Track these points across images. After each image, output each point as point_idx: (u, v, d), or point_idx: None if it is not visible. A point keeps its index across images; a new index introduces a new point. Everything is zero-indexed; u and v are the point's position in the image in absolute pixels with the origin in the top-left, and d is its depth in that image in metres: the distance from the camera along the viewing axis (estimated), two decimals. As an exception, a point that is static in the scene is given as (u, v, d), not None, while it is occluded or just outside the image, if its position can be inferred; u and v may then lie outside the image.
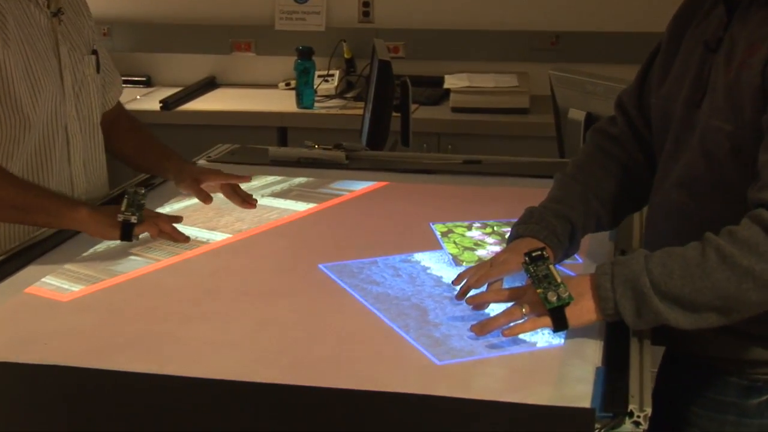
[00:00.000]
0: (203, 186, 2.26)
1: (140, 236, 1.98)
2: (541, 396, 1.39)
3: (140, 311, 1.72)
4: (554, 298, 1.52)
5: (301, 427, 1.33)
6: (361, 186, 2.45)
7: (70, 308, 1.73)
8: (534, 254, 1.57)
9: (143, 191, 1.98)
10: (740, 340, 1.62)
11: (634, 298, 1.48)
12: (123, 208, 1.93)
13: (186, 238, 2.01)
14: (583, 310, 1.53)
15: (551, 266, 1.55)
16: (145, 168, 2.42)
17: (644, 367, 1.47)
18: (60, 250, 2.00)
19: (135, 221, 1.93)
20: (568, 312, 1.52)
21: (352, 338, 1.61)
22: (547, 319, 1.53)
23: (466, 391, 1.41)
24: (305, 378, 1.44)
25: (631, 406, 1.33)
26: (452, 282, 1.76)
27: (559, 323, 1.53)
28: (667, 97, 1.70)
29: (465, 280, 1.72)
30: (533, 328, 1.55)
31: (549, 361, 1.50)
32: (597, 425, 1.31)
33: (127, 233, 1.93)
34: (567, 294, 1.52)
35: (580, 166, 1.87)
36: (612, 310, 1.51)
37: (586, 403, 1.36)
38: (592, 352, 1.53)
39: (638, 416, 1.32)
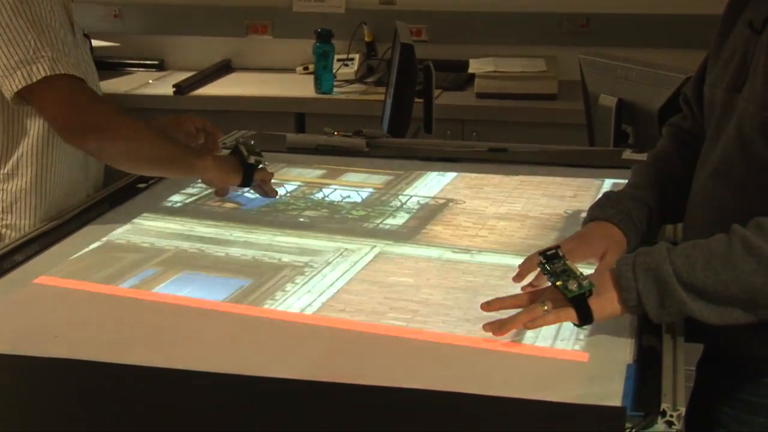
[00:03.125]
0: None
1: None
2: (570, 393, 1.36)
3: (155, 303, 1.68)
4: (575, 286, 1.48)
5: (321, 425, 1.32)
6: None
7: (82, 299, 1.69)
8: (549, 253, 1.56)
9: (251, 140, 2.25)
10: None
11: (657, 287, 1.45)
12: (246, 154, 2.12)
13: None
14: (606, 302, 1.49)
15: (567, 262, 1.54)
16: None
17: (678, 364, 1.43)
18: (71, 240, 1.96)
19: (261, 165, 2.14)
20: (592, 304, 1.48)
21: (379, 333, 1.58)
22: (571, 311, 1.49)
23: (492, 388, 1.38)
24: (328, 373, 1.43)
25: (663, 405, 1.29)
26: (513, 279, 1.69)
27: (583, 314, 1.49)
28: (714, 83, 1.67)
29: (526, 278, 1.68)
30: (556, 321, 1.51)
31: (588, 347, 1.49)
32: (628, 424, 1.28)
33: (248, 177, 2.12)
34: (587, 281, 1.48)
35: (657, 155, 1.87)
36: (635, 301, 1.47)
37: (616, 402, 1.33)
38: (623, 348, 1.49)
39: (671, 415, 1.29)
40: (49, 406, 1.36)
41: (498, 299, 1.57)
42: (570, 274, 1.50)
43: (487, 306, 1.56)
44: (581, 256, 1.66)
